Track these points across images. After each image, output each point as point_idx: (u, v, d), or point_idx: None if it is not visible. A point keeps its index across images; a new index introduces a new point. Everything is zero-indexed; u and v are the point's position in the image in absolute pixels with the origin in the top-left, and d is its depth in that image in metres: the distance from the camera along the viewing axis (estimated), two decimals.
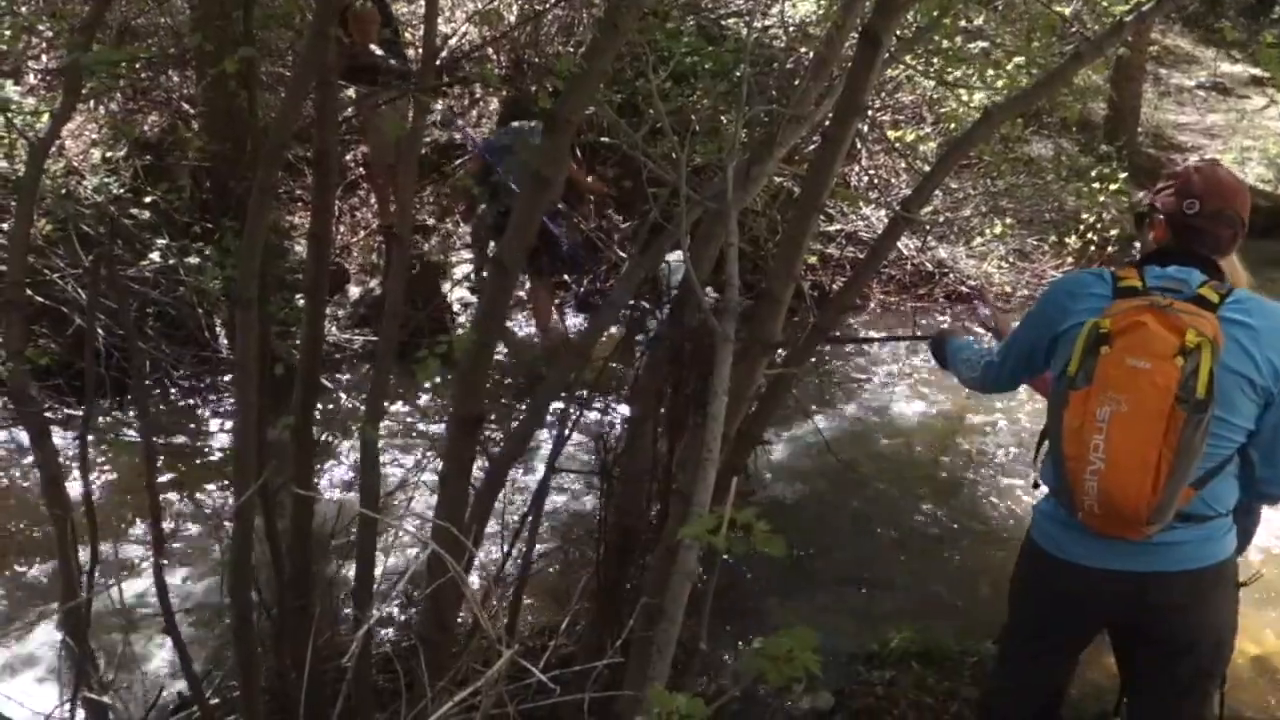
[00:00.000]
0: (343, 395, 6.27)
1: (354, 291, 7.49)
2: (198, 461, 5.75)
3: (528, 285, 7.26)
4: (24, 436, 4.53)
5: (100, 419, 5.78)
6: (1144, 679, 2.75)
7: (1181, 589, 2.56)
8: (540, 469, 4.28)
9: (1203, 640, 2.63)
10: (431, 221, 8.13)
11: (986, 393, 3.26)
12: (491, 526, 3.21)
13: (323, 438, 5.31)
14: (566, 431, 3.52)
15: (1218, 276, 2.52)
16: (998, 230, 8.85)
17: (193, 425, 6.12)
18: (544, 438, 4.87)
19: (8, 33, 5.80)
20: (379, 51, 6.88)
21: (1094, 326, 2.43)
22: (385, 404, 3.21)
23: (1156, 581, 2.54)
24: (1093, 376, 2.41)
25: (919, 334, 3.36)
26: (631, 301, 4.88)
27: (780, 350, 3.11)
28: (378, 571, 3.21)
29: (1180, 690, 2.68)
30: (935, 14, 3.86)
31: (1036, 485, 2.80)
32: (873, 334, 7.66)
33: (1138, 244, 2.84)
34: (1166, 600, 2.57)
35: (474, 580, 3.83)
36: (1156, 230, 2.64)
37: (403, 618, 4.23)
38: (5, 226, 5.93)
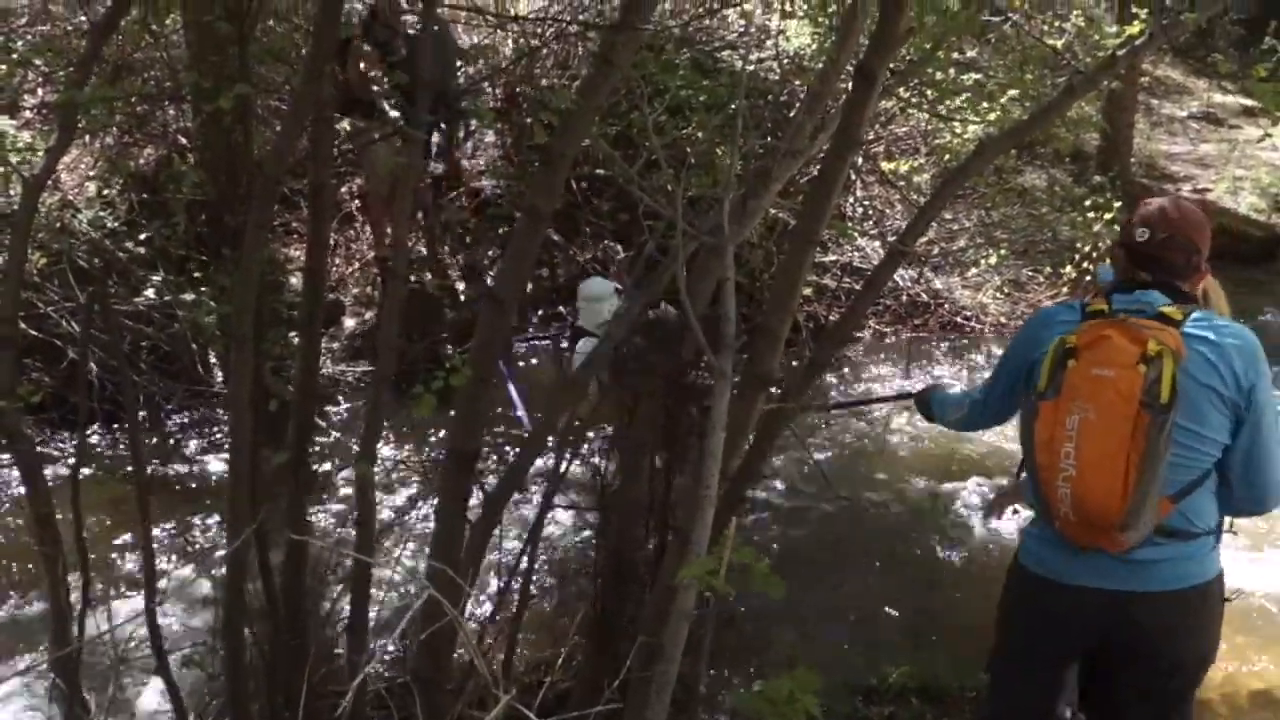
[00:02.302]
0: (337, 426, 6.24)
1: (349, 324, 7.48)
2: (191, 495, 5.71)
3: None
4: (14, 469, 4.51)
5: (92, 453, 5.74)
6: (1127, 693, 2.77)
7: (1168, 610, 2.61)
8: (537, 499, 4.26)
9: (1188, 661, 2.69)
10: (425, 253, 8.11)
11: (974, 430, 3.33)
12: (488, 557, 3.19)
13: (318, 470, 5.29)
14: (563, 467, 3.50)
15: (1181, 300, 2.61)
16: (993, 260, 8.86)
17: (186, 459, 6.09)
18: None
19: (3, 68, 5.81)
20: (375, 88, 6.89)
21: (1061, 342, 2.55)
22: (380, 440, 3.21)
23: (1143, 601, 2.59)
24: (1061, 389, 2.52)
25: (904, 394, 3.55)
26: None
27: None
28: (372, 606, 3.19)
29: (1165, 707, 2.73)
30: (929, 47, 3.88)
31: (1016, 512, 2.92)
32: (869, 385, 7.62)
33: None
34: (1154, 621, 2.61)
35: (469, 614, 3.81)
36: (1118, 261, 2.76)
37: (397, 651, 4.19)
38: None
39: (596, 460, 3.85)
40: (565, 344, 7.66)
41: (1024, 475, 2.80)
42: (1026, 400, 2.64)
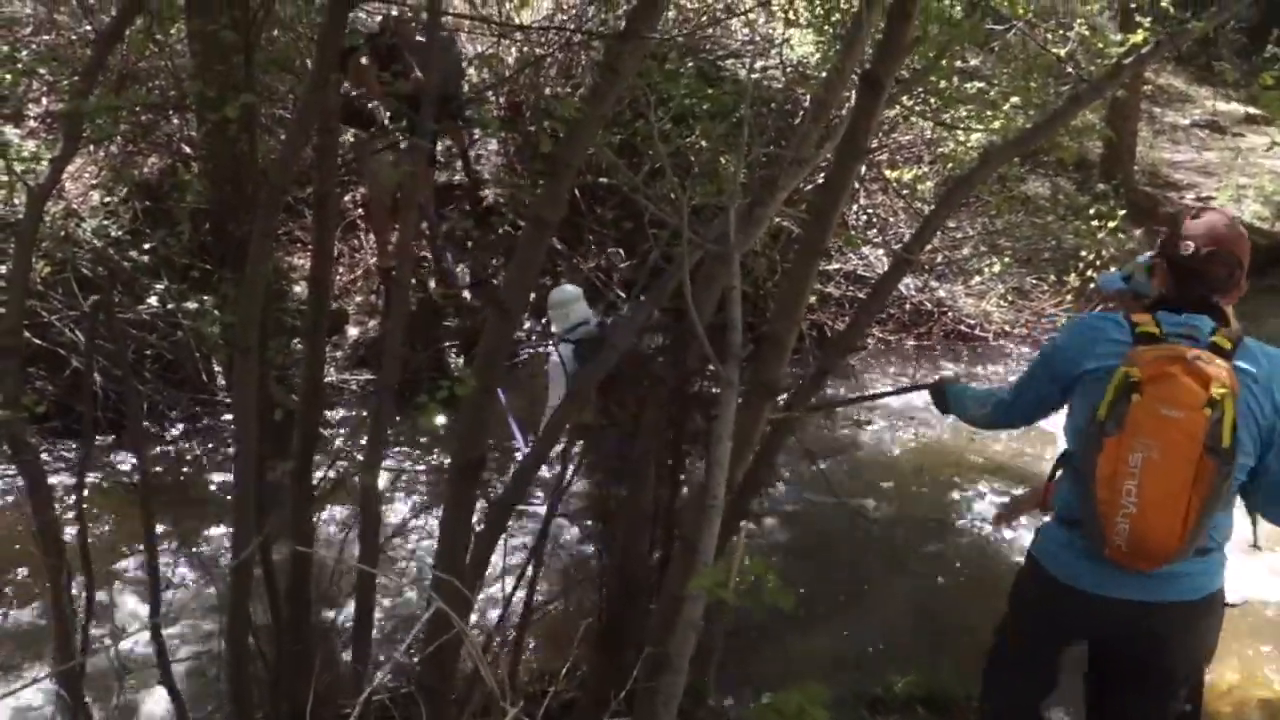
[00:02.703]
0: (341, 435, 6.23)
1: (353, 332, 7.48)
2: (195, 504, 5.71)
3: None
4: (18, 478, 4.49)
5: (96, 462, 5.74)
6: (1138, 701, 2.84)
7: (1182, 618, 2.70)
8: (541, 508, 4.24)
9: (1192, 663, 2.85)
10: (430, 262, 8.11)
11: (995, 429, 3.36)
12: (492, 566, 3.18)
13: (322, 478, 5.27)
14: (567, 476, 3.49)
15: (1221, 319, 2.66)
16: (996, 269, 8.86)
17: (190, 467, 6.08)
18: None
19: (7, 77, 5.81)
20: (378, 106, 6.89)
21: (1125, 375, 2.55)
22: (384, 448, 3.20)
23: (1160, 611, 2.67)
24: (1124, 423, 2.54)
25: (918, 384, 3.50)
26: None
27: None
28: (377, 615, 3.19)
29: (1166, 708, 2.84)
30: (933, 56, 3.88)
31: (1045, 511, 2.92)
32: (875, 390, 7.54)
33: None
34: (1169, 630, 2.71)
35: (473, 623, 3.79)
36: (1160, 276, 2.78)
37: (400, 658, 4.18)
38: (3, 269, 5.93)
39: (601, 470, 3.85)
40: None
41: (1057, 479, 2.86)
42: (1088, 428, 2.64)
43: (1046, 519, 2.91)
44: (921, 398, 7.13)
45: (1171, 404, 2.50)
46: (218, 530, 5.32)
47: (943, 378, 3.44)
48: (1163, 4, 7.30)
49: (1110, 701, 2.93)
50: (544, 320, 7.79)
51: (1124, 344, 2.62)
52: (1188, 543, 2.54)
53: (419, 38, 6.95)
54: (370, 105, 6.86)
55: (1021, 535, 5.63)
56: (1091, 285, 8.51)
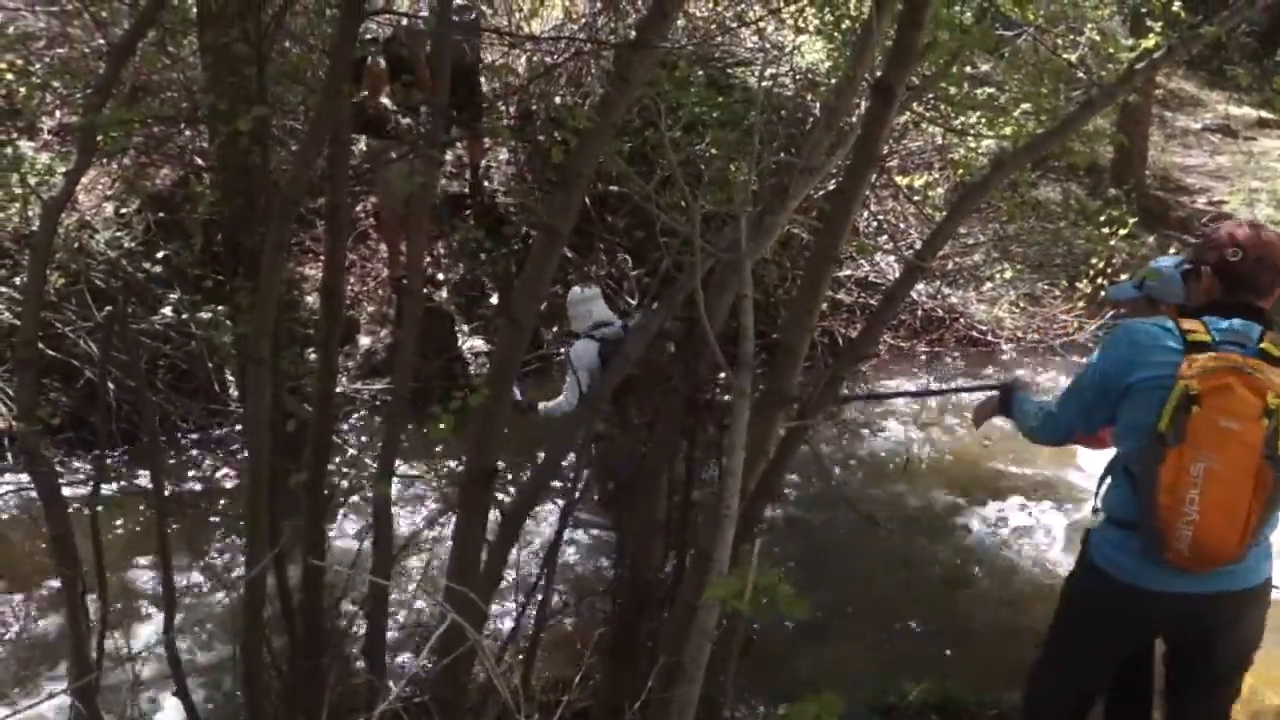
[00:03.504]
0: (353, 444, 6.24)
1: (364, 342, 7.49)
2: (208, 515, 5.71)
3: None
4: (32, 490, 4.50)
5: (110, 474, 5.75)
6: (1189, 689, 2.96)
7: (1234, 608, 2.81)
8: (554, 518, 4.24)
9: (1242, 656, 2.92)
10: (442, 276, 8.12)
11: (1041, 443, 3.32)
12: (506, 575, 3.18)
13: (335, 488, 5.28)
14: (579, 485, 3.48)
15: (1264, 322, 2.73)
16: (1008, 275, 8.83)
17: (203, 476, 6.10)
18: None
19: (22, 90, 5.84)
20: (390, 105, 6.91)
21: (1185, 389, 2.61)
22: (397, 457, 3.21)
23: (1213, 601, 2.77)
24: (1184, 435, 2.61)
25: (986, 385, 3.38)
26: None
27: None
28: (390, 623, 3.18)
29: (1227, 693, 2.97)
30: (944, 62, 3.86)
31: (1096, 511, 2.95)
32: (938, 386, 7.46)
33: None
34: (1217, 621, 2.81)
35: (487, 632, 3.79)
36: (1205, 282, 2.84)
37: (415, 668, 4.18)
38: (18, 281, 5.95)
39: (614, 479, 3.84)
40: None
41: (1104, 489, 2.90)
42: (1148, 439, 2.69)
43: (1097, 522, 2.93)
44: (938, 403, 7.17)
45: (1230, 416, 2.58)
46: (231, 541, 5.33)
47: (1016, 380, 3.44)
48: (1174, 8, 7.27)
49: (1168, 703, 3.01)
50: (554, 328, 7.80)
51: (1176, 351, 2.68)
52: (1247, 546, 2.65)
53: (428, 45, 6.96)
54: (391, 109, 6.88)
55: (1025, 542, 5.63)
56: (1103, 294, 8.50)
